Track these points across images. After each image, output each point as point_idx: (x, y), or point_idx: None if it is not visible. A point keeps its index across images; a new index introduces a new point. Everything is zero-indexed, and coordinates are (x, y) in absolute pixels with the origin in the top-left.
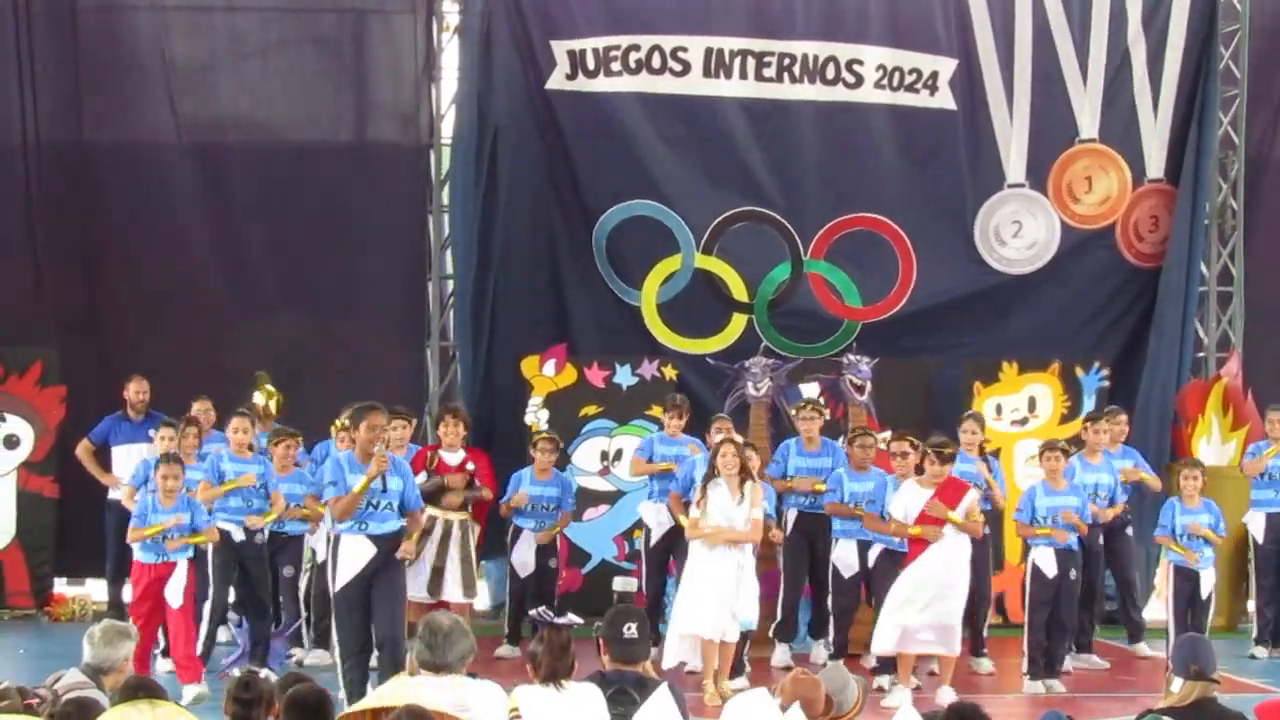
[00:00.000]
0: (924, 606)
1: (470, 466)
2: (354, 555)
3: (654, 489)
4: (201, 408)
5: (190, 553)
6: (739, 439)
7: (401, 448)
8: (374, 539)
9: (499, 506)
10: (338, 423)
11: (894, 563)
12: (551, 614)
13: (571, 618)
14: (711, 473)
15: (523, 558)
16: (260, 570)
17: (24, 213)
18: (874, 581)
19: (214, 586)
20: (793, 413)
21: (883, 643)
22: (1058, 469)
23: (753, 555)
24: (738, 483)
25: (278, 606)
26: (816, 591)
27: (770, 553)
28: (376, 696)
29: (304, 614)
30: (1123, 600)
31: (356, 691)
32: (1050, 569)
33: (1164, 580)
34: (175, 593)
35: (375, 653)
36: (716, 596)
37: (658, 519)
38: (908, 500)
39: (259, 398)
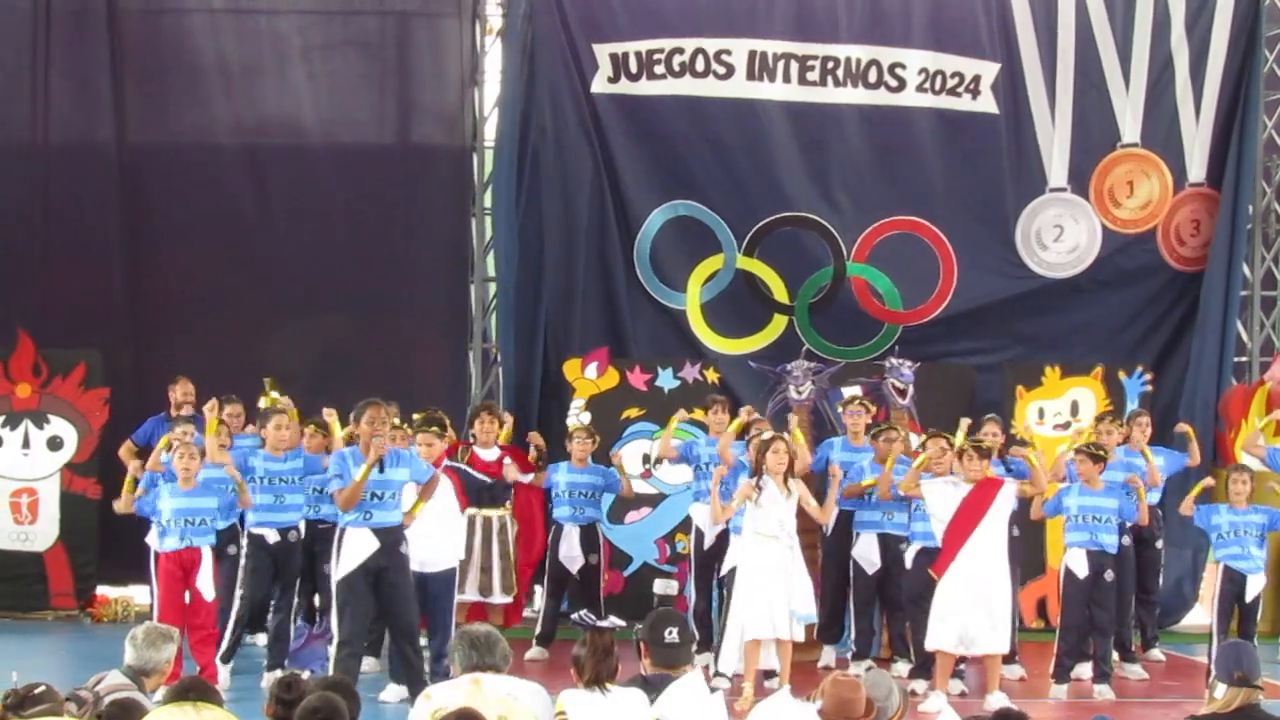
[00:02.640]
0: (971, 608)
1: (507, 461)
2: (357, 546)
3: (700, 489)
4: (233, 411)
5: (213, 538)
6: (786, 436)
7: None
8: (377, 531)
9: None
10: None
11: (931, 562)
12: (594, 617)
13: (614, 620)
14: (759, 469)
15: (570, 552)
16: (292, 574)
17: (66, 215)
18: (910, 580)
19: (248, 591)
20: (839, 408)
21: (936, 640)
22: (1090, 473)
23: (799, 547)
24: (783, 479)
25: (313, 604)
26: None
27: (812, 556)
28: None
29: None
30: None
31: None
32: (1082, 570)
33: (1210, 586)
34: (207, 583)
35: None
36: (768, 593)
37: (708, 521)
38: (945, 498)
39: (264, 404)
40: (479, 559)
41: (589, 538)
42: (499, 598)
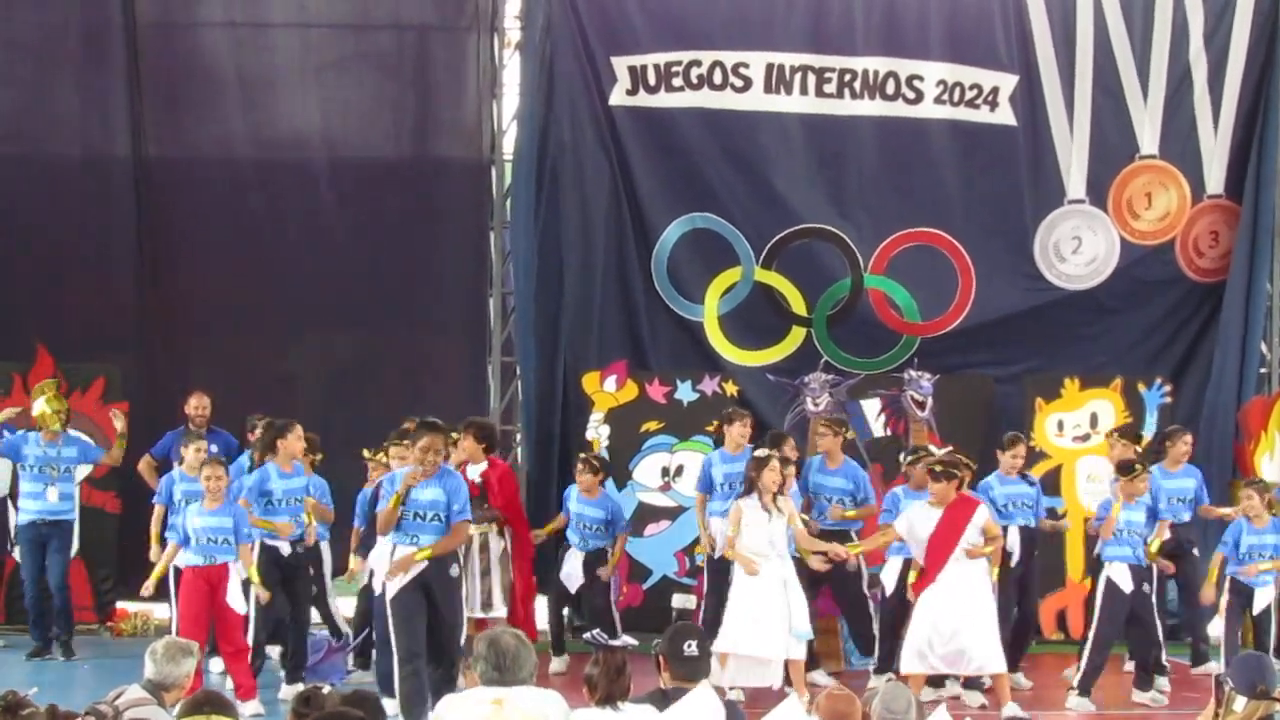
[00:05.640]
0: (949, 637)
1: (478, 481)
2: None
3: (716, 510)
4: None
5: (234, 554)
6: (787, 456)
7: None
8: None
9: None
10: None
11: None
12: (606, 636)
13: (627, 639)
14: (750, 489)
15: (570, 570)
16: (305, 586)
17: (86, 229)
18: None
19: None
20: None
21: (907, 663)
22: (1136, 489)
23: (792, 563)
24: (772, 498)
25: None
26: (849, 610)
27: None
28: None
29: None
30: (1190, 623)
31: (414, 701)
32: (1126, 584)
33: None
34: (237, 597)
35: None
36: (756, 613)
37: (721, 531)
38: (914, 519)
39: (42, 404)
40: (480, 572)
41: (593, 563)
42: (498, 610)
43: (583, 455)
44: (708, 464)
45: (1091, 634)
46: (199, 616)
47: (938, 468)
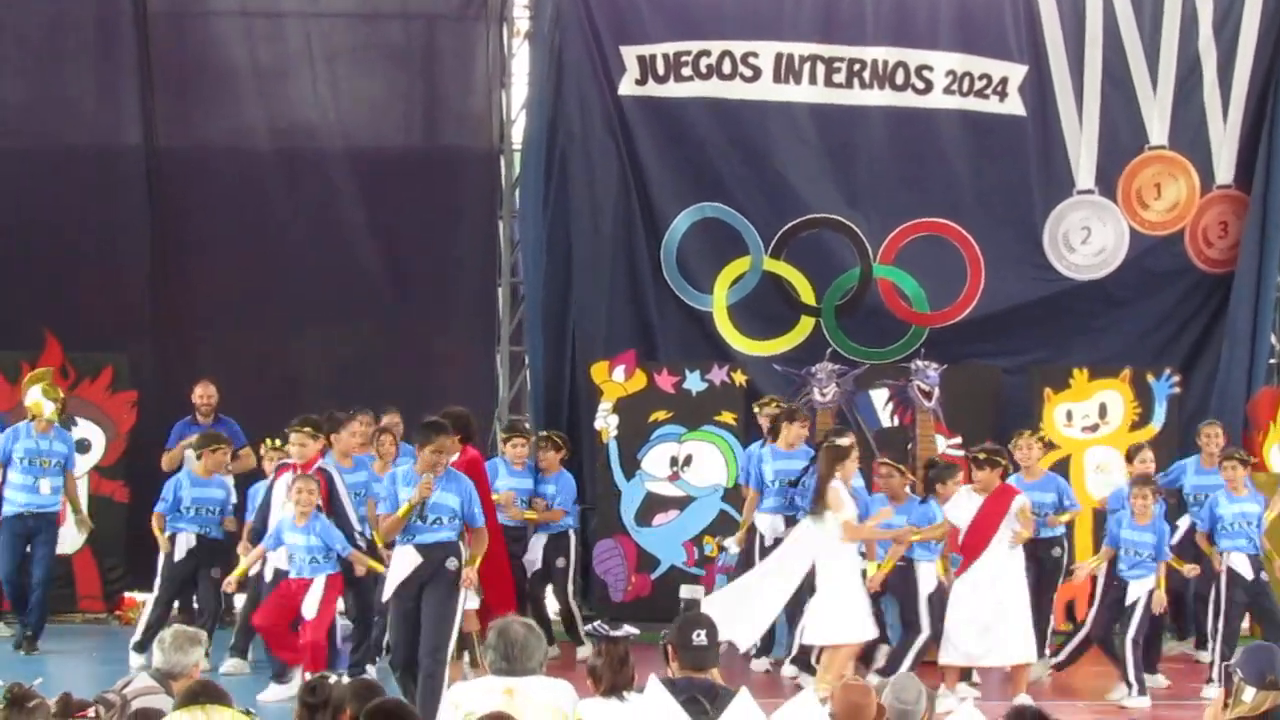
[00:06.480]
0: (983, 630)
1: None
2: (401, 564)
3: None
4: (391, 421)
5: (331, 568)
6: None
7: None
8: (420, 548)
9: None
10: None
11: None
12: (608, 627)
13: (629, 629)
14: (830, 478)
15: (531, 555)
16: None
17: (94, 219)
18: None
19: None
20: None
21: (946, 655)
22: (1238, 477)
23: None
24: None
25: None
26: None
27: None
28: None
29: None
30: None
31: None
32: (1248, 572)
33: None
34: (311, 604)
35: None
36: (754, 599)
37: (772, 525)
38: (960, 506)
39: (38, 394)
40: None
41: (556, 544)
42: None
43: (543, 433)
44: (758, 460)
45: (1221, 629)
46: (278, 609)
47: (981, 455)
